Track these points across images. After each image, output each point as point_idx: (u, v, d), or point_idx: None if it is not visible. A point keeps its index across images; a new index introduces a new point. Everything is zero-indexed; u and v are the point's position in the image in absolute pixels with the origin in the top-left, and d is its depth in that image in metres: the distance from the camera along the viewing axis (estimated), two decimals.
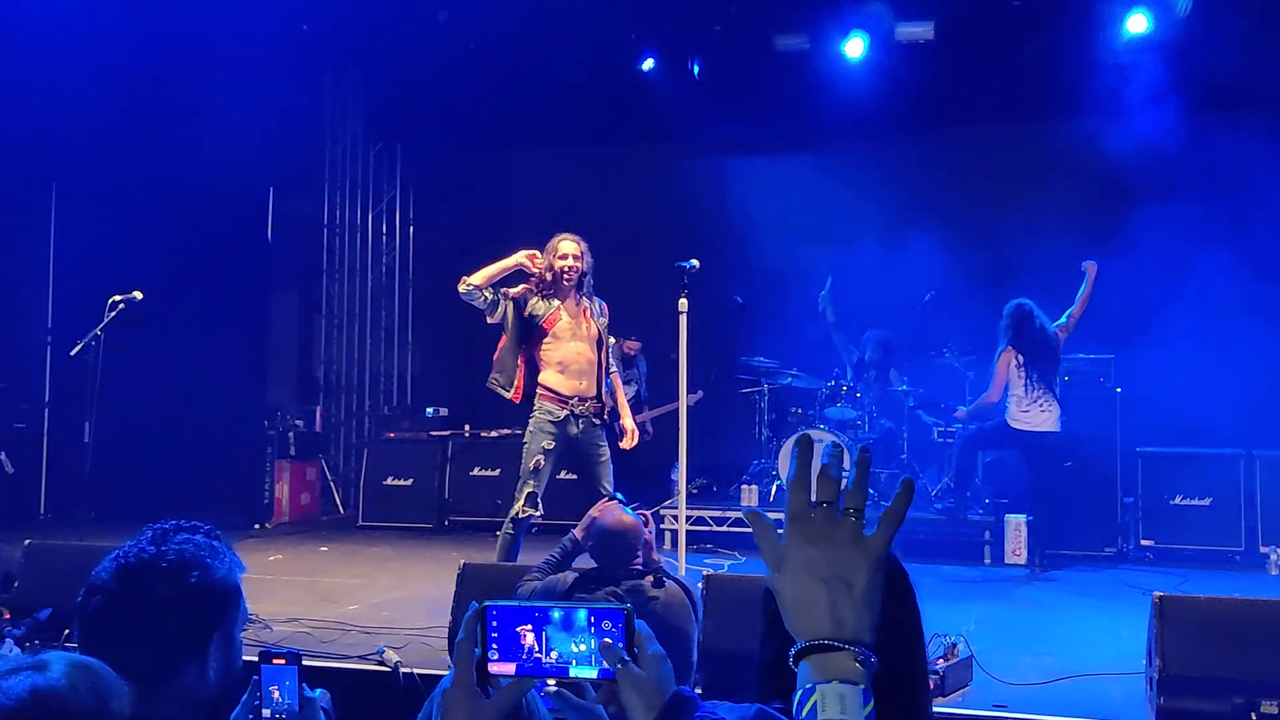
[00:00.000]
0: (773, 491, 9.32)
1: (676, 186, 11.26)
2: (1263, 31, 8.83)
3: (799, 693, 1.10)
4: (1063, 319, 8.08)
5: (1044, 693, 4.45)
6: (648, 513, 4.31)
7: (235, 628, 1.95)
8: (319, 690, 2.02)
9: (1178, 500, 8.23)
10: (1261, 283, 10.26)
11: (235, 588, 1.95)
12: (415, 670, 4.63)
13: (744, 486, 9.34)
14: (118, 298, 6.89)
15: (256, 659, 1.97)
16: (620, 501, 4.30)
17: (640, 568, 4.01)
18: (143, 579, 1.85)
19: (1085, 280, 8.17)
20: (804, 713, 1.08)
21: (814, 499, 1.14)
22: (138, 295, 6.93)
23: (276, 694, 1.92)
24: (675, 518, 6.89)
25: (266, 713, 1.91)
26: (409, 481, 9.85)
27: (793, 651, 1.12)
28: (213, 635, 1.88)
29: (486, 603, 1.38)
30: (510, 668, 1.35)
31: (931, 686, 4.16)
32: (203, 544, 1.95)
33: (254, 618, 5.55)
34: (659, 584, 3.89)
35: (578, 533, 4.28)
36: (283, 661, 1.93)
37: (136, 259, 8.90)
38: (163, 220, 9.70)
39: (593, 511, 4.26)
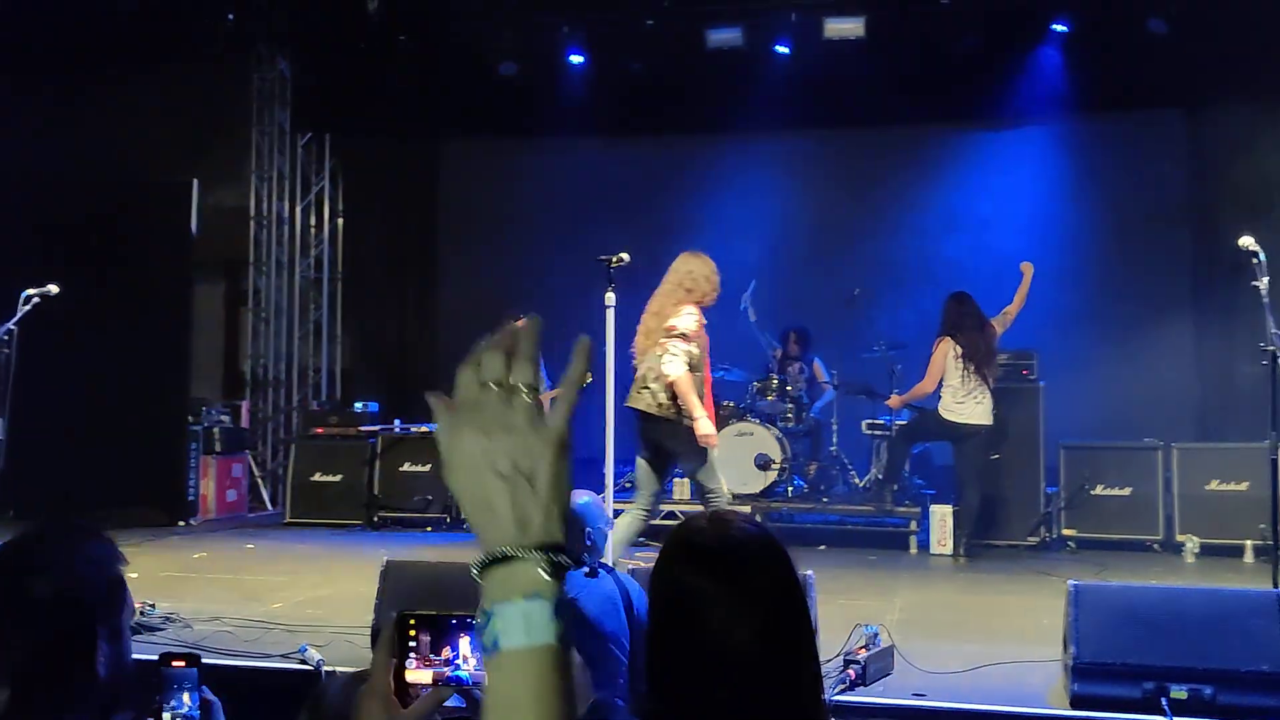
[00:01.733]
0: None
1: (606, 179, 11.26)
2: (1169, 38, 9.04)
3: (479, 620, 0.95)
4: (999, 315, 8.18)
5: (963, 680, 4.51)
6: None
7: (121, 621, 1.90)
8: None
9: (1099, 490, 8.40)
10: (1178, 281, 10.54)
11: (118, 580, 1.91)
12: (338, 669, 4.57)
13: (676, 480, 9.35)
14: (32, 291, 6.71)
15: (156, 660, 1.93)
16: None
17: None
18: (18, 579, 1.80)
19: (1022, 280, 8.26)
20: (486, 645, 0.93)
21: (482, 379, 0.97)
22: (53, 289, 6.76)
23: (178, 696, 1.88)
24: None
25: (166, 715, 1.87)
26: (338, 478, 9.74)
27: (474, 569, 0.96)
28: (98, 631, 1.84)
29: (405, 611, 1.36)
30: (427, 676, 1.34)
31: (854, 676, 4.21)
32: (81, 539, 1.91)
33: (174, 616, 5.47)
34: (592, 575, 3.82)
35: None
36: (183, 663, 1.89)
37: (52, 252, 8.68)
38: (80, 212, 9.47)
39: None
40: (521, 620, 0.92)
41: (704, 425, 5.71)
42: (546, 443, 0.96)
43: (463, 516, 0.98)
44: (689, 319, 5.74)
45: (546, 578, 0.94)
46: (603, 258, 5.31)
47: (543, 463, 0.96)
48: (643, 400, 5.87)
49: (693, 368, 5.70)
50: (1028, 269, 8.25)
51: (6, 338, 6.60)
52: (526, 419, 0.96)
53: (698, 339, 5.76)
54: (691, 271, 5.91)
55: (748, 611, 1.51)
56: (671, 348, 5.69)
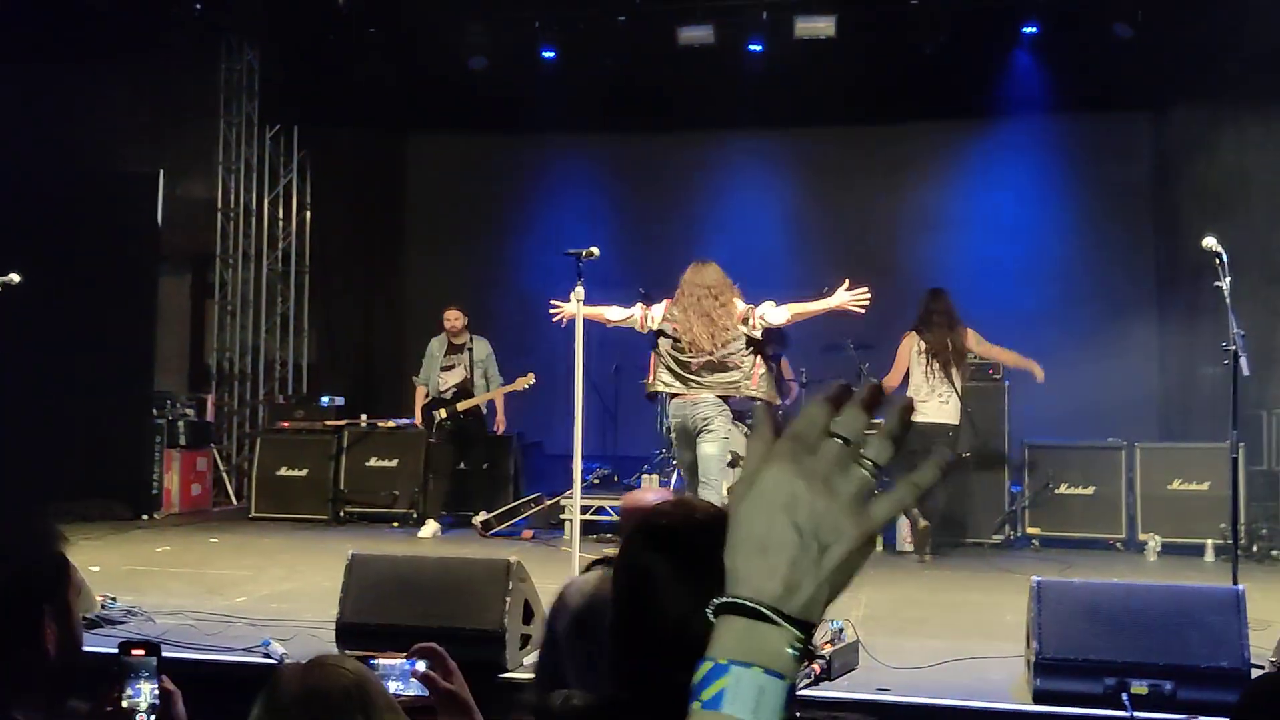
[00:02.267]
0: (673, 481, 9.37)
1: (576, 175, 11.25)
2: (1135, 41, 9.14)
3: (705, 665, 0.84)
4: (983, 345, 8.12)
5: (928, 676, 4.54)
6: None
7: (67, 598, 1.87)
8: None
9: (1063, 489, 8.48)
10: (1142, 282, 10.65)
11: (60, 558, 1.88)
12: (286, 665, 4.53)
13: (644, 477, 9.38)
14: None
15: (116, 650, 1.91)
16: None
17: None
18: None
19: (1027, 366, 8.08)
20: (704, 695, 0.82)
21: (834, 429, 0.87)
22: (15, 278, 6.67)
23: (137, 685, 1.86)
24: (573, 507, 6.88)
25: (125, 704, 1.85)
26: (303, 472, 9.68)
27: (717, 601, 0.87)
28: (44, 609, 1.81)
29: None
30: None
31: (819, 670, 4.23)
32: (14, 516, 1.88)
33: (137, 610, 5.42)
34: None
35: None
36: (143, 652, 1.87)
37: (14, 241, 8.55)
38: (45, 202, 9.34)
39: None
40: (755, 693, 0.82)
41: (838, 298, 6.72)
42: (859, 527, 0.85)
43: (728, 547, 0.88)
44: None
45: (793, 657, 0.83)
46: (572, 251, 5.30)
47: (843, 544, 0.85)
48: (736, 389, 6.54)
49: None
50: (1037, 372, 8.00)
51: None
52: (855, 493, 0.86)
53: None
54: (720, 276, 6.66)
55: (707, 594, 1.51)
56: (760, 312, 6.51)
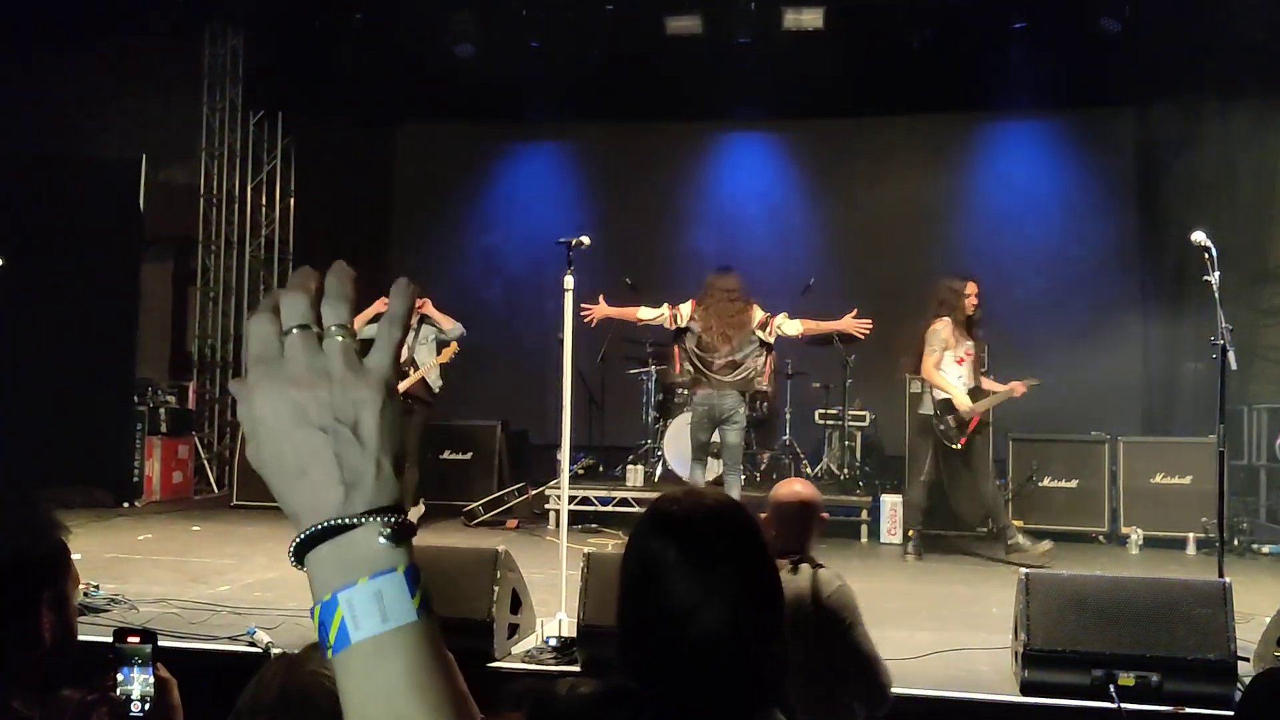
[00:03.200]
0: (657, 471, 9.37)
1: (563, 164, 11.21)
2: (1121, 37, 9.16)
3: (315, 613, 0.78)
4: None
5: (916, 667, 4.55)
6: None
7: (65, 588, 1.85)
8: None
9: (1046, 482, 8.51)
10: (1128, 277, 10.69)
11: (60, 547, 1.86)
12: (287, 651, 4.50)
13: (629, 467, 9.37)
14: None
15: (111, 638, 1.88)
16: None
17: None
18: None
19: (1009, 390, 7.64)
20: (330, 641, 0.77)
21: (284, 325, 0.81)
22: None
23: (131, 673, 1.84)
24: (559, 497, 6.88)
25: (120, 692, 1.82)
26: None
27: (291, 547, 0.79)
28: (41, 596, 1.79)
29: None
30: None
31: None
32: (15, 504, 1.86)
33: (120, 598, 5.37)
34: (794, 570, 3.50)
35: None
36: (138, 640, 1.84)
37: None
38: (26, 187, 9.25)
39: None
40: (373, 602, 0.76)
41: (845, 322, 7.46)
42: (370, 387, 0.79)
43: (276, 495, 0.81)
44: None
45: (391, 545, 0.77)
46: (562, 240, 5.27)
47: (367, 410, 0.79)
48: (750, 385, 7.42)
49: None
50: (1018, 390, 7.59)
51: None
52: (345, 363, 0.79)
53: None
54: (739, 284, 7.39)
55: (710, 581, 1.50)
56: (779, 322, 7.30)
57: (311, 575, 0.78)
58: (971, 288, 7.58)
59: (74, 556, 1.94)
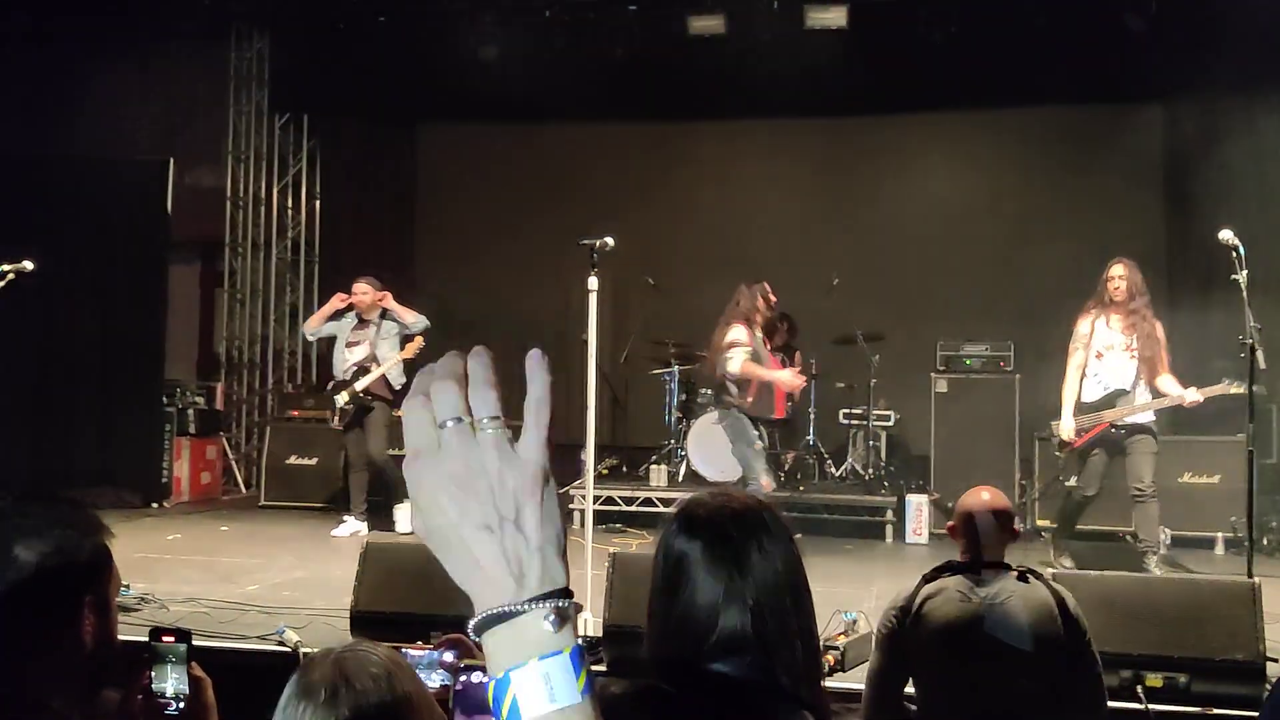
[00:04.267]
0: (681, 471, 9.38)
1: (587, 165, 11.22)
2: (1146, 30, 9.09)
3: (490, 688, 0.84)
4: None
5: None
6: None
7: (107, 592, 1.88)
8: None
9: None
10: (1154, 274, 10.58)
11: (104, 551, 1.89)
12: (316, 651, 4.54)
13: (653, 467, 9.39)
14: (6, 267, 6.62)
15: (147, 637, 1.91)
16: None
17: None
18: (3, 549, 1.79)
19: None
20: (503, 713, 0.82)
21: (439, 418, 0.85)
22: (27, 265, 6.67)
23: (166, 671, 1.87)
24: (584, 497, 6.91)
25: (156, 691, 1.85)
26: (312, 461, 9.68)
27: (470, 625, 0.85)
28: (83, 600, 1.82)
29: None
30: None
31: (831, 661, 4.24)
32: (62, 508, 1.89)
33: (150, 597, 5.43)
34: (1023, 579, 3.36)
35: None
36: (173, 639, 1.88)
37: (27, 228, 8.57)
38: (57, 189, 9.36)
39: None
40: (543, 684, 0.82)
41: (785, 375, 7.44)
42: (527, 477, 0.84)
43: (456, 580, 0.86)
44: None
45: (555, 631, 0.83)
46: (586, 241, 5.28)
47: (528, 503, 0.84)
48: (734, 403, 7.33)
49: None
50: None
51: None
52: (500, 456, 0.84)
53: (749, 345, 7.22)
54: (733, 302, 7.39)
55: (738, 582, 1.51)
56: (729, 356, 7.18)
57: (487, 651, 0.85)
58: (1115, 269, 6.70)
59: None
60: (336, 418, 8.28)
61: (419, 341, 8.03)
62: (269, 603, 5.58)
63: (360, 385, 8.05)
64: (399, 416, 7.62)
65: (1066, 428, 6.65)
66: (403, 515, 7.99)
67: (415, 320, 8.11)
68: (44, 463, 9.03)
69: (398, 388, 8.08)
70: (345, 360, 8.22)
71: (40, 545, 1.80)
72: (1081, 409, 6.63)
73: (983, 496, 3.53)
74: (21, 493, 1.92)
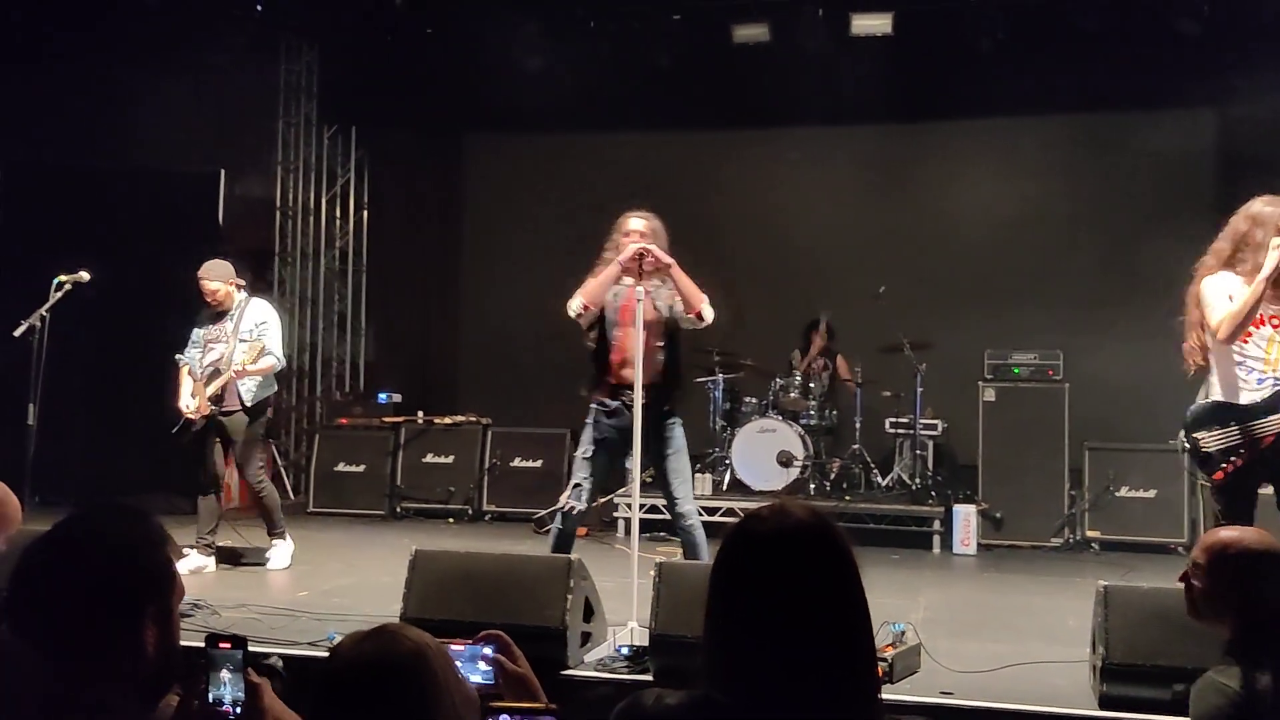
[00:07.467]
0: (725, 480, 9.36)
1: (632, 173, 11.23)
2: (1197, 35, 8.96)
3: None
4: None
5: (991, 680, 4.50)
6: None
7: (170, 603, 1.92)
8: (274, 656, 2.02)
9: (1123, 492, 8.36)
10: None
11: (167, 562, 1.93)
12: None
13: (697, 475, 9.36)
14: (64, 278, 6.75)
15: (203, 643, 1.94)
16: None
17: None
18: (72, 556, 1.83)
19: None
20: None
21: None
22: (84, 276, 6.80)
23: (222, 678, 1.90)
24: (629, 506, 6.91)
25: (212, 696, 1.88)
26: (361, 468, 9.78)
27: None
28: (146, 610, 1.86)
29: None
30: None
31: (880, 673, 4.21)
32: (130, 519, 1.93)
33: (201, 603, 5.51)
34: None
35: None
36: (228, 646, 1.90)
37: (84, 239, 8.74)
38: (112, 200, 9.54)
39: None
40: None
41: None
42: None
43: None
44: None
45: None
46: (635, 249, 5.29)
47: None
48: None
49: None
50: None
51: (38, 324, 6.63)
52: None
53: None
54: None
55: (795, 598, 1.51)
56: None
57: None
58: None
59: None
60: (180, 429, 7.29)
61: (262, 347, 7.14)
62: (319, 609, 5.64)
63: (211, 389, 7.08)
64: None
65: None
66: (276, 555, 7.23)
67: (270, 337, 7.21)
68: (97, 469, 9.16)
69: (250, 404, 7.16)
70: (203, 362, 7.27)
71: (107, 556, 1.83)
72: (1232, 415, 4.70)
73: (1254, 537, 2.80)
74: (91, 502, 1.97)
